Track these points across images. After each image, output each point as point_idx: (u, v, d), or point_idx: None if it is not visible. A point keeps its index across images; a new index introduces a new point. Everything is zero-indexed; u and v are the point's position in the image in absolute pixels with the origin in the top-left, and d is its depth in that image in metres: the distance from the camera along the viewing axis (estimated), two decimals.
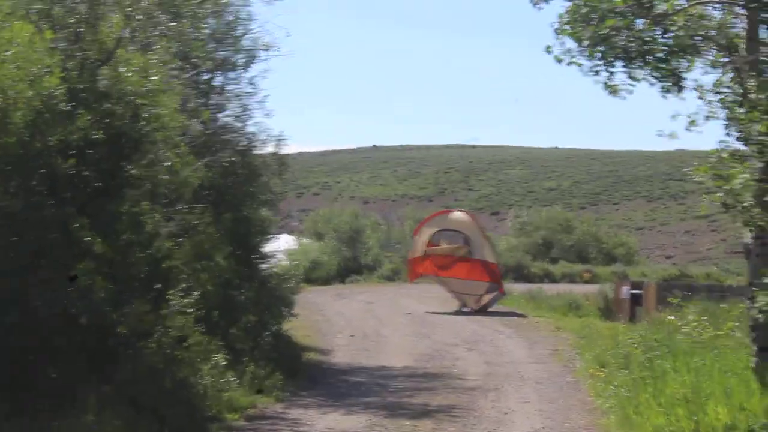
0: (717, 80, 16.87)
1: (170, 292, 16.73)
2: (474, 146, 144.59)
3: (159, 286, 16.24)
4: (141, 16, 16.80)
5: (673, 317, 20.72)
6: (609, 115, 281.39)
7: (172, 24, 19.51)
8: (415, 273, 40.66)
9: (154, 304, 15.98)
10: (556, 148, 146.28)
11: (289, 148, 23.92)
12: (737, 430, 12.78)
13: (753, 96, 13.32)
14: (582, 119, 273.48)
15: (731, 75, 16.50)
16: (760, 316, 13.19)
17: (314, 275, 50.19)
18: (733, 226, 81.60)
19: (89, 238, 14.04)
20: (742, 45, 15.96)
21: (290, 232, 57.24)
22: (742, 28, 16.21)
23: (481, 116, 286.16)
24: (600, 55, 16.40)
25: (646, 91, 55.34)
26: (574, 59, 16.34)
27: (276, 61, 46.04)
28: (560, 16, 16.27)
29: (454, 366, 23.71)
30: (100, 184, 14.87)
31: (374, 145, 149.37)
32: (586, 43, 16.15)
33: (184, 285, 17.86)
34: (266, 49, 23.41)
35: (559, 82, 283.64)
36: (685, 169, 15.21)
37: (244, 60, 23.51)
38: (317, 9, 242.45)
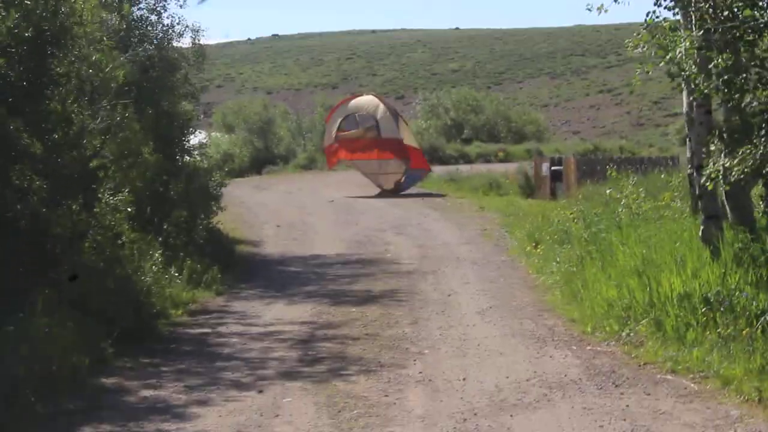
0: None
1: (101, 190, 16.43)
2: (374, 31, 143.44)
3: (92, 185, 15.90)
4: None
5: (610, 190, 20.73)
6: None
7: None
8: (332, 160, 40.62)
9: (85, 204, 15.68)
10: (457, 29, 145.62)
11: (186, 41, 23.52)
12: (692, 298, 12.84)
13: None
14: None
15: None
16: (708, 183, 13.22)
17: (227, 168, 49.63)
18: (636, 99, 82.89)
19: (26, 139, 13.61)
20: None
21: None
22: None
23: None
24: None
25: None
26: None
27: None
28: None
29: (387, 251, 23.67)
30: (25, 83, 14.42)
31: (275, 35, 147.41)
32: None
33: (112, 183, 17.58)
34: None
35: None
36: (626, 40, 15.02)
37: None
38: None
